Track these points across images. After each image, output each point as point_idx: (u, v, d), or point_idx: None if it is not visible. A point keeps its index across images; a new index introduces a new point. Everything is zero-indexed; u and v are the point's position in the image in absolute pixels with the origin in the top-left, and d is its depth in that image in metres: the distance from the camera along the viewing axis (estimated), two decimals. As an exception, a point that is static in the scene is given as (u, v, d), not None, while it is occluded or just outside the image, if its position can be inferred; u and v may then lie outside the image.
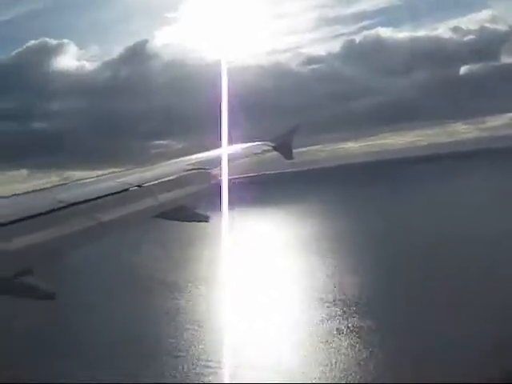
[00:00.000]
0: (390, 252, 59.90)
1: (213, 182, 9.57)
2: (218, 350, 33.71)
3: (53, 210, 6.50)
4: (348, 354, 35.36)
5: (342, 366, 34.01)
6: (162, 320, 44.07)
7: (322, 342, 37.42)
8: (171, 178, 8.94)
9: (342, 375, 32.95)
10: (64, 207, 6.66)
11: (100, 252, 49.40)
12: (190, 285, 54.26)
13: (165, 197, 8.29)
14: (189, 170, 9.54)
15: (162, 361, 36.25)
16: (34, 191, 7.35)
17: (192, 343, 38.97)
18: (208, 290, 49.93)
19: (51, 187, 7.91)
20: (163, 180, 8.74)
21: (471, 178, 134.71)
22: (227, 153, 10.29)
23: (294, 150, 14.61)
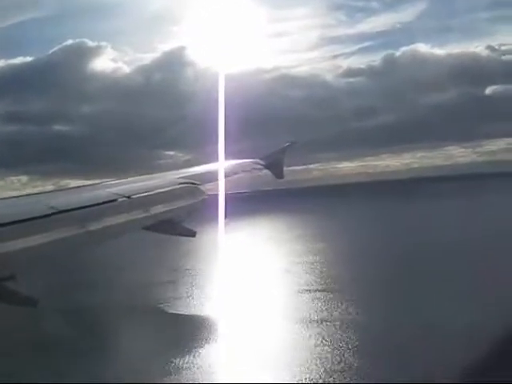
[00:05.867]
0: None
1: (202, 197, 9.61)
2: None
3: (39, 217, 6.49)
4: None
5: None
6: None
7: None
8: (161, 190, 8.97)
9: None
10: (51, 214, 6.66)
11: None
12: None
13: (154, 209, 8.31)
14: (180, 183, 9.57)
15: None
16: (22, 196, 7.33)
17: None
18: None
19: (39, 193, 7.90)
20: (153, 192, 8.76)
21: (459, 199, 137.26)
22: (217, 169, 10.36)
23: (292, 168, 14.64)
